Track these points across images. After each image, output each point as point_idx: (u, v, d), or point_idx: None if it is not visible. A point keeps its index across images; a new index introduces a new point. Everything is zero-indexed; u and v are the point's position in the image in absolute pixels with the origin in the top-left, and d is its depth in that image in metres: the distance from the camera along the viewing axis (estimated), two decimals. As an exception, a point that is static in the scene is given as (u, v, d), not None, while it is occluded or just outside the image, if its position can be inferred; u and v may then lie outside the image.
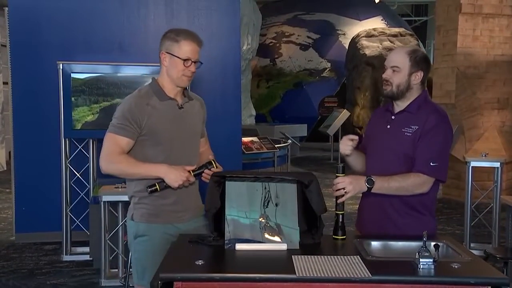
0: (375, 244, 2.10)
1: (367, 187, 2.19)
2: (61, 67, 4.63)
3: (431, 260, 1.78)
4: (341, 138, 2.48)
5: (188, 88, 2.42)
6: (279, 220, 2.05)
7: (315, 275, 1.72)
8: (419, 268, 1.77)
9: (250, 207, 2.06)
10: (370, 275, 1.72)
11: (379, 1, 16.00)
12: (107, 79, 4.69)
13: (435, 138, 2.24)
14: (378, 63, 10.99)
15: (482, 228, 5.24)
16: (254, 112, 13.40)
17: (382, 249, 2.10)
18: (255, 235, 2.02)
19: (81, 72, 4.67)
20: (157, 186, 2.20)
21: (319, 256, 1.88)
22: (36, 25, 5.02)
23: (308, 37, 15.81)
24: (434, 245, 1.84)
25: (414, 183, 2.22)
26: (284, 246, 1.98)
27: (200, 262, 1.81)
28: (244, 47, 11.79)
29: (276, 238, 2.02)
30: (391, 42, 12.64)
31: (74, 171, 4.90)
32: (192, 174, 2.24)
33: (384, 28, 14.17)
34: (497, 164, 4.89)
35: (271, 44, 16.05)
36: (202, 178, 2.27)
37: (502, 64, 7.26)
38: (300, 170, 10.07)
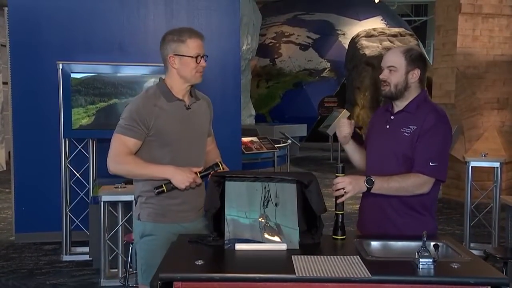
0: (374, 244, 2.10)
1: (367, 187, 2.19)
2: (60, 67, 4.63)
3: (431, 260, 1.78)
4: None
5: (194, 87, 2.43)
6: (279, 220, 2.05)
7: (315, 275, 1.72)
8: (419, 268, 1.77)
9: (250, 207, 2.06)
10: (370, 275, 1.72)
11: (379, 1, 16.00)
12: (104, 79, 4.69)
13: (434, 138, 2.23)
14: (378, 63, 10.95)
15: (482, 228, 5.24)
16: (253, 112, 13.41)
17: (381, 249, 2.10)
18: (255, 235, 2.02)
19: (81, 72, 4.67)
20: (164, 187, 2.20)
21: (318, 256, 1.88)
22: (36, 25, 5.02)
23: (308, 37, 15.81)
24: (434, 245, 1.84)
25: (414, 184, 2.22)
26: (283, 246, 1.98)
27: (200, 262, 1.81)
28: (244, 47, 11.80)
29: (276, 238, 2.02)
30: (390, 42, 12.65)
31: (74, 171, 4.90)
32: (199, 175, 2.25)
33: (384, 28, 14.18)
34: (497, 164, 4.89)
35: (270, 44, 16.05)
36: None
37: (501, 64, 7.27)
38: (300, 170, 10.07)
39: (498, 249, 4.06)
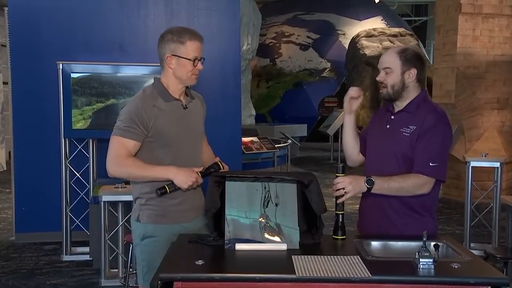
0: (375, 244, 2.10)
1: (367, 187, 2.19)
2: (61, 67, 4.63)
3: (431, 260, 1.78)
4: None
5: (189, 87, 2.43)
6: (279, 220, 2.05)
7: (315, 275, 1.72)
8: (419, 268, 1.77)
9: (250, 207, 2.06)
10: (370, 275, 1.72)
11: (379, 1, 16.00)
12: (104, 79, 4.69)
13: (434, 138, 2.23)
14: (378, 63, 10.99)
15: (482, 228, 5.24)
16: (254, 112, 13.40)
17: (382, 249, 2.10)
18: (255, 235, 2.02)
19: (81, 72, 4.67)
20: (167, 188, 2.19)
21: (319, 256, 1.88)
22: (36, 25, 5.02)
23: (308, 37, 15.81)
24: (434, 245, 1.84)
25: (414, 184, 2.22)
26: (284, 246, 1.98)
27: (200, 262, 1.81)
28: (244, 47, 11.79)
29: (276, 238, 2.02)
30: (391, 42, 12.64)
31: (74, 171, 4.90)
32: (200, 175, 2.25)
33: (384, 28, 14.18)
34: (497, 164, 4.89)
35: (271, 44, 16.05)
36: None
37: (502, 64, 7.26)
38: (300, 170, 10.07)
39: (498, 249, 4.06)
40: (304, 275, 1.72)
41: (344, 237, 2.13)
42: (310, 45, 15.71)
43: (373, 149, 2.40)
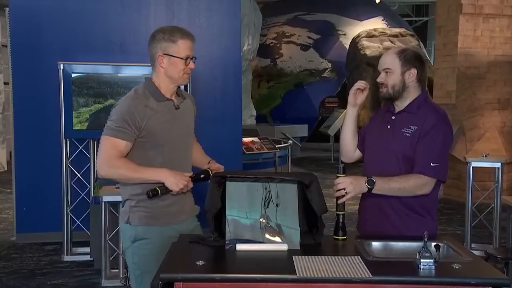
0: (375, 244, 2.10)
1: (368, 187, 2.19)
2: (61, 68, 4.63)
3: (432, 260, 1.78)
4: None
5: (183, 86, 2.42)
6: (280, 221, 2.05)
7: (316, 276, 1.72)
8: (420, 269, 1.77)
9: (251, 207, 2.06)
10: (371, 276, 1.72)
11: (380, 2, 16.00)
12: (105, 79, 4.69)
13: (435, 139, 2.23)
14: (378, 63, 10.99)
15: (483, 228, 5.23)
16: (254, 113, 13.40)
17: (382, 249, 2.10)
18: (256, 235, 2.02)
19: (82, 72, 4.67)
20: (158, 190, 2.17)
21: (319, 257, 1.88)
22: (37, 26, 5.02)
23: (309, 37, 15.81)
24: (435, 246, 1.84)
25: (415, 184, 2.22)
26: (284, 247, 1.98)
27: (200, 263, 1.81)
28: (245, 48, 11.80)
29: (277, 239, 2.02)
30: (391, 42, 12.64)
31: (75, 171, 4.90)
32: (191, 180, 2.24)
33: (385, 28, 14.18)
34: (498, 165, 4.89)
35: (271, 45, 16.05)
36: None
37: (502, 65, 7.26)
38: (301, 170, 10.07)
39: (499, 249, 4.06)
40: (305, 275, 1.72)
41: (345, 237, 2.13)
42: (311, 45, 15.71)
43: (374, 149, 2.40)
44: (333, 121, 12.06)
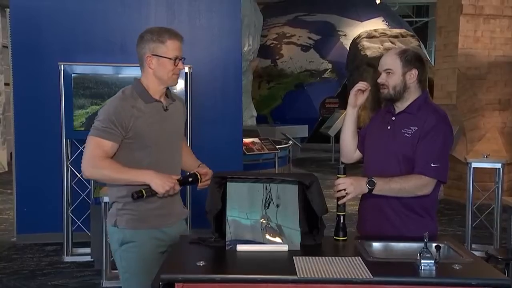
0: (376, 245, 2.10)
1: (368, 188, 2.19)
2: (62, 68, 4.63)
3: (432, 261, 1.78)
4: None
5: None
6: (280, 221, 2.05)
7: (316, 276, 1.72)
8: (420, 269, 1.77)
9: (251, 208, 2.06)
10: (371, 276, 1.72)
11: (380, 2, 16.00)
12: (105, 80, 4.69)
13: (436, 139, 2.23)
14: (379, 64, 11.00)
15: (484, 229, 5.23)
16: (255, 113, 13.41)
17: (383, 250, 2.10)
18: (256, 236, 2.02)
19: (83, 73, 4.67)
20: (143, 193, 2.13)
21: (320, 257, 1.88)
22: (38, 26, 5.03)
23: (309, 38, 15.82)
24: (436, 246, 1.84)
25: (416, 185, 2.22)
26: (285, 247, 1.98)
27: (201, 263, 1.81)
28: (245, 48, 11.80)
29: (277, 239, 2.02)
30: (392, 43, 12.65)
31: (75, 172, 4.90)
32: (178, 183, 2.21)
33: (385, 29, 14.19)
34: (499, 165, 4.89)
35: (272, 45, 16.06)
36: (198, 188, 2.30)
37: (503, 65, 7.26)
38: (301, 171, 10.07)
39: (500, 250, 4.06)
40: (306, 276, 1.72)
41: (345, 238, 2.13)
42: (311, 46, 15.72)
43: (374, 150, 2.40)
44: (333, 122, 12.06)
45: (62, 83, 4.63)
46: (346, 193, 2.15)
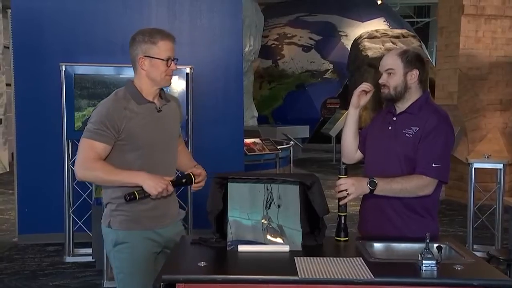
0: (377, 245, 2.10)
1: (370, 188, 2.19)
2: (63, 69, 4.64)
3: (434, 262, 1.78)
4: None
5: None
6: (282, 222, 2.05)
7: (318, 277, 1.72)
8: (422, 270, 1.77)
9: (252, 208, 2.06)
10: (373, 277, 1.72)
11: (381, 3, 16.00)
12: (106, 80, 4.69)
13: (437, 140, 2.23)
14: (379, 65, 11.01)
15: (485, 230, 5.22)
16: (256, 114, 13.41)
17: (384, 250, 2.10)
18: (258, 236, 2.02)
19: (84, 73, 4.68)
20: (136, 194, 2.12)
21: (321, 258, 1.88)
22: (39, 27, 5.03)
23: (310, 38, 15.82)
24: (437, 247, 1.84)
25: (417, 185, 2.22)
26: (286, 248, 1.98)
27: (202, 264, 1.81)
28: (246, 49, 11.80)
29: (279, 240, 2.02)
30: (393, 43, 12.64)
31: (77, 172, 4.90)
32: (170, 184, 2.20)
33: (386, 29, 14.18)
34: (500, 166, 4.88)
35: (273, 46, 16.07)
36: (192, 190, 2.30)
37: (504, 66, 7.25)
38: (303, 171, 10.07)
39: (501, 251, 4.05)
40: (307, 276, 1.72)
41: (347, 238, 2.13)
42: (313, 46, 15.72)
43: (375, 150, 2.40)
44: (334, 122, 12.05)
45: (63, 83, 4.64)
46: (348, 194, 2.15)
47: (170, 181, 2.20)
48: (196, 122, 4.94)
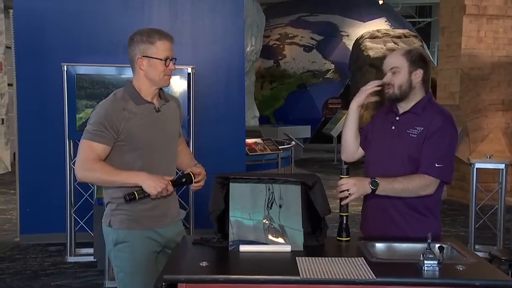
0: (379, 245, 2.10)
1: (371, 188, 2.18)
2: (65, 69, 4.64)
3: (436, 262, 1.77)
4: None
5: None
6: (283, 222, 2.05)
7: (319, 277, 1.72)
8: (424, 270, 1.77)
9: (254, 208, 2.06)
10: (374, 277, 1.72)
11: (383, 3, 15.99)
12: (108, 80, 4.70)
13: (441, 140, 2.23)
14: (382, 64, 10.98)
15: (487, 230, 5.22)
16: (257, 114, 13.42)
17: (386, 251, 2.10)
18: (259, 236, 2.02)
19: (86, 73, 4.68)
20: (136, 194, 2.13)
21: (323, 258, 1.88)
22: (41, 27, 5.04)
23: (312, 38, 15.83)
24: (439, 247, 1.83)
25: (419, 185, 2.22)
26: (288, 248, 1.97)
27: (204, 264, 1.81)
28: (248, 49, 11.81)
29: (280, 240, 2.02)
30: (395, 43, 12.64)
31: (78, 172, 4.90)
32: (170, 183, 2.20)
33: (388, 29, 14.18)
34: (502, 166, 4.88)
35: (274, 46, 16.07)
36: (191, 189, 2.30)
37: (506, 66, 7.24)
38: (304, 171, 10.07)
39: (503, 251, 4.05)
40: (308, 276, 1.71)
41: (348, 238, 2.13)
42: (314, 46, 15.73)
43: (377, 150, 2.39)
44: (336, 122, 12.05)
45: (65, 83, 4.64)
46: (349, 194, 2.15)
47: (170, 180, 2.21)
48: (198, 122, 4.94)
